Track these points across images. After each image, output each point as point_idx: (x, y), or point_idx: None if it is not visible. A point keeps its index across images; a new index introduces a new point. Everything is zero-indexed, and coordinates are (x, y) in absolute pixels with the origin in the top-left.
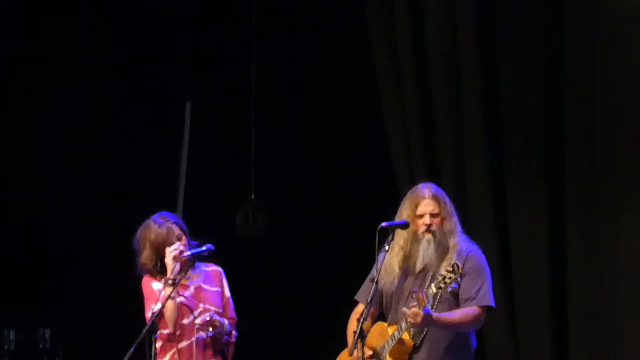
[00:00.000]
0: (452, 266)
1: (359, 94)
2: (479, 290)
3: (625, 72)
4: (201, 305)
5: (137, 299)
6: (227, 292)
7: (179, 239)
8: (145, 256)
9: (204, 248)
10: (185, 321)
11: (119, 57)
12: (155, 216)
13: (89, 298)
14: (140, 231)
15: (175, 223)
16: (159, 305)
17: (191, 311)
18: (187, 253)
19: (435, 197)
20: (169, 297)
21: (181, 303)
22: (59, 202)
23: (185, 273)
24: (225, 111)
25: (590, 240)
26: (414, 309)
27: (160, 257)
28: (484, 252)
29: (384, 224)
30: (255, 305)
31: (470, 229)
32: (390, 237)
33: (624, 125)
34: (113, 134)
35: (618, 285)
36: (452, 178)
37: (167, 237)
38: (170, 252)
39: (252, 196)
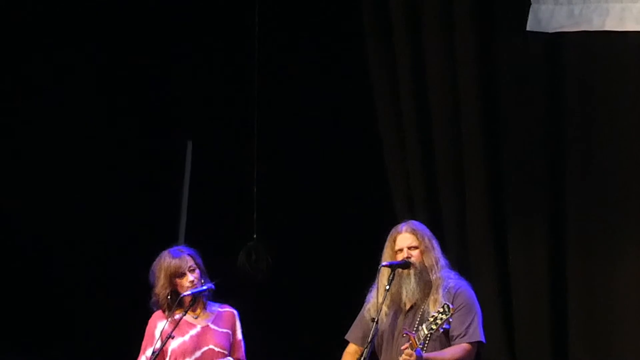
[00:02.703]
0: (443, 307)
1: (361, 134)
2: (469, 326)
3: (625, 113)
4: (205, 346)
5: (139, 338)
6: (239, 335)
7: (192, 271)
8: (160, 286)
9: (204, 287)
10: None
11: (122, 94)
12: (172, 248)
13: (85, 335)
14: (155, 263)
15: (191, 255)
16: (158, 344)
17: (193, 351)
18: (187, 292)
19: (413, 231)
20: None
21: (183, 342)
22: (57, 241)
23: (186, 312)
24: (227, 150)
25: (590, 276)
26: (407, 351)
27: (174, 288)
28: (485, 287)
29: (384, 263)
30: (255, 345)
31: (469, 265)
32: (378, 276)
33: (622, 164)
34: (113, 173)
35: (616, 320)
36: (453, 217)
37: (180, 266)
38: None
39: (255, 236)
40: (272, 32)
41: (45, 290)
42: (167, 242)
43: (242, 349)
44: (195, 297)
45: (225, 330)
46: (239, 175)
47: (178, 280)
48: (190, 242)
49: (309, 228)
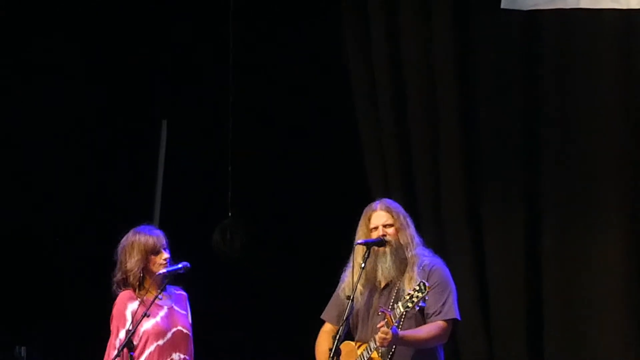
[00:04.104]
0: (419, 285)
1: (336, 113)
2: (444, 304)
3: (600, 92)
4: (174, 327)
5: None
6: (190, 318)
7: (165, 249)
8: (133, 262)
9: (179, 265)
10: (161, 342)
11: (98, 73)
12: (142, 226)
13: (67, 314)
14: (126, 239)
15: (162, 235)
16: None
17: (165, 333)
18: (163, 270)
19: (387, 209)
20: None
21: (157, 324)
22: (35, 218)
23: (162, 291)
24: (202, 128)
25: (565, 257)
26: (383, 329)
27: (146, 265)
28: (461, 268)
29: (359, 241)
30: (230, 324)
31: (445, 245)
32: (352, 255)
33: (599, 145)
34: (89, 151)
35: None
36: (429, 196)
37: (156, 243)
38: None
39: (229, 214)
40: (250, 12)
41: (29, 270)
42: (142, 220)
43: (191, 332)
44: (173, 275)
45: (184, 311)
46: (214, 154)
47: (153, 257)
48: (165, 220)
49: (284, 207)
